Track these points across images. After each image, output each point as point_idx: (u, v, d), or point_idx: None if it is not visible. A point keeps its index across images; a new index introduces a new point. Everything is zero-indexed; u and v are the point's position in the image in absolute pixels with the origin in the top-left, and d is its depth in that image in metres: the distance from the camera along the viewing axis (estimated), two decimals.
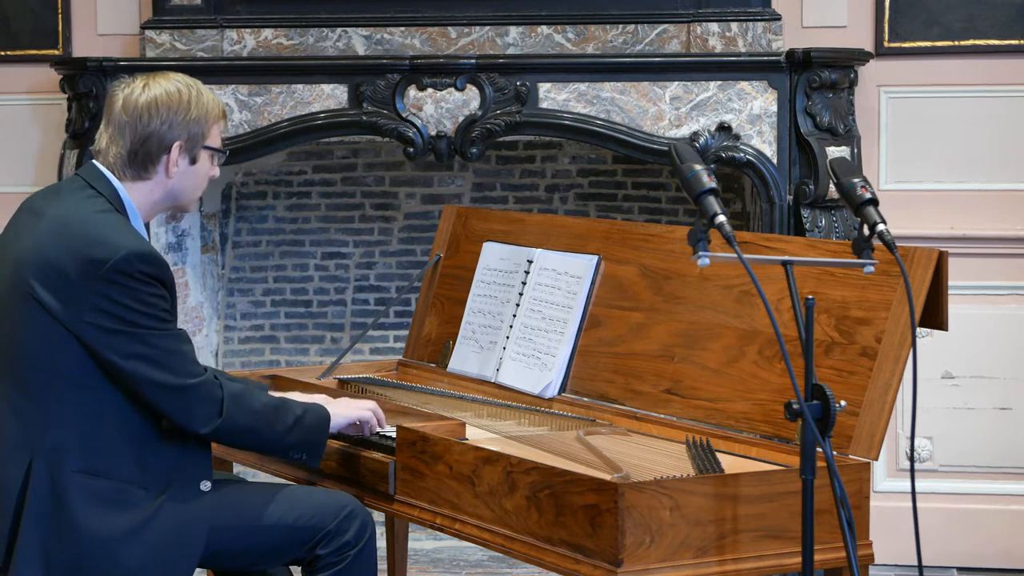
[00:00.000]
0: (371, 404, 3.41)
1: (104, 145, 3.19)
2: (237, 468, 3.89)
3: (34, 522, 3.04)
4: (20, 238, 3.14)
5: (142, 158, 3.17)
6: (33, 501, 3.05)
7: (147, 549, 3.07)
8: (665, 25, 5.15)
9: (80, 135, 5.30)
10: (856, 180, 3.01)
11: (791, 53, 4.96)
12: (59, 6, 5.55)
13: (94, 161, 3.21)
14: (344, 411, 3.35)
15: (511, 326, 3.80)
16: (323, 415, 3.29)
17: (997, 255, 5.15)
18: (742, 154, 5.01)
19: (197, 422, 3.09)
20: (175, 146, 3.17)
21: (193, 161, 3.21)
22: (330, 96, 5.20)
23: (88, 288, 3.01)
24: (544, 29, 5.21)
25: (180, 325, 3.22)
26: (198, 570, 3.21)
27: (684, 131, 5.05)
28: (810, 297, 2.80)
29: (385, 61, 5.17)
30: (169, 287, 3.09)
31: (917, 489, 3.02)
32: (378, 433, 3.41)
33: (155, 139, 3.16)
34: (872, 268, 2.94)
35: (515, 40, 5.22)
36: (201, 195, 3.31)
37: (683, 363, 3.44)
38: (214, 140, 3.24)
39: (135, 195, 3.19)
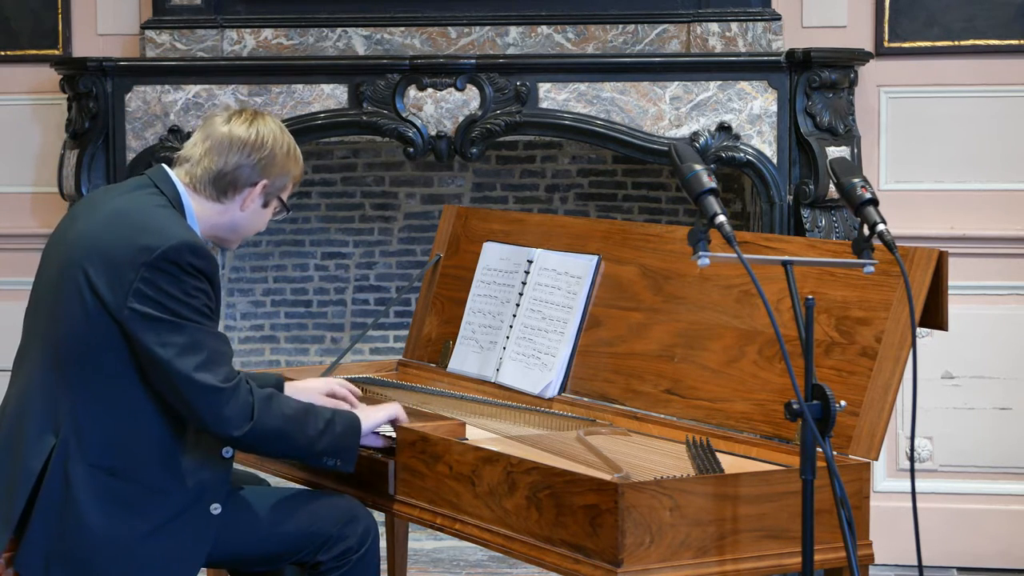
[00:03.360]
0: (395, 407, 3.38)
1: (196, 156, 3.24)
2: (237, 466, 3.89)
3: (43, 511, 3.05)
4: (75, 224, 3.18)
5: (228, 183, 3.23)
6: (47, 489, 3.05)
7: (150, 557, 3.07)
8: (665, 25, 5.15)
9: (80, 135, 5.30)
10: (856, 180, 3.01)
11: (791, 53, 4.96)
12: (59, 6, 5.55)
13: (164, 166, 3.26)
14: (373, 414, 3.32)
15: (511, 326, 3.80)
16: (353, 419, 3.27)
17: (997, 255, 5.15)
18: (742, 154, 5.01)
19: (230, 425, 3.07)
20: (261, 184, 3.25)
21: (265, 205, 3.29)
22: (330, 96, 5.20)
23: (136, 274, 3.03)
24: (544, 29, 5.21)
25: None
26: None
27: (684, 131, 5.05)
28: (810, 297, 2.80)
29: (385, 61, 5.17)
30: (215, 286, 3.12)
31: (917, 489, 3.02)
32: (378, 433, 3.40)
33: (247, 171, 3.23)
34: (872, 268, 2.94)
35: (515, 40, 5.22)
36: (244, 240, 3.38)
37: (683, 363, 3.43)
38: (286, 195, 3.33)
39: (201, 209, 3.24)
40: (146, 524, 3.07)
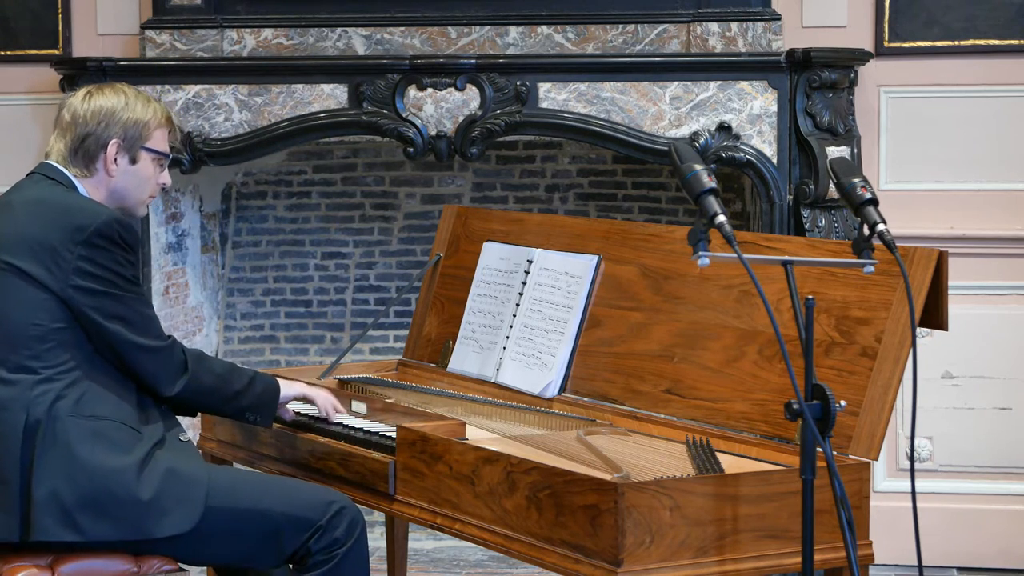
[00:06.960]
0: (305, 387, 3.59)
1: (53, 143, 3.39)
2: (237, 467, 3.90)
3: (43, 469, 3.15)
4: None
5: (82, 155, 3.35)
6: (40, 452, 3.16)
7: (158, 478, 3.19)
8: (665, 25, 5.15)
9: None
10: (856, 180, 3.01)
11: (791, 53, 4.96)
12: (59, 6, 5.55)
13: (47, 161, 3.39)
14: (288, 387, 3.54)
15: (511, 326, 3.80)
16: (271, 381, 3.52)
17: (997, 255, 5.15)
18: (742, 154, 5.01)
19: (166, 382, 3.30)
20: (111, 144, 3.34)
21: (133, 161, 3.38)
22: (330, 96, 5.20)
23: (73, 253, 3.21)
24: (544, 29, 5.21)
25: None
26: (197, 570, 3.20)
27: (684, 131, 5.05)
28: (810, 297, 2.80)
29: (385, 61, 5.17)
30: (139, 256, 3.40)
31: (917, 489, 3.02)
32: (378, 433, 3.42)
33: (93, 138, 3.35)
34: (872, 268, 2.94)
35: (515, 40, 5.22)
36: (149, 199, 3.45)
37: (683, 363, 3.44)
38: (156, 143, 3.40)
39: (87, 188, 3.36)
40: (138, 453, 3.20)
